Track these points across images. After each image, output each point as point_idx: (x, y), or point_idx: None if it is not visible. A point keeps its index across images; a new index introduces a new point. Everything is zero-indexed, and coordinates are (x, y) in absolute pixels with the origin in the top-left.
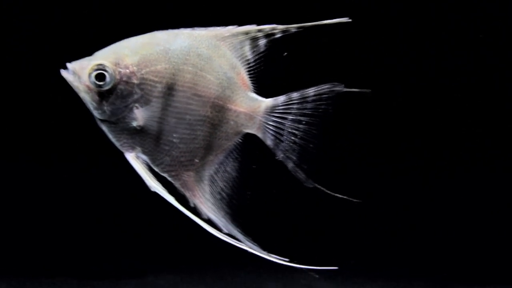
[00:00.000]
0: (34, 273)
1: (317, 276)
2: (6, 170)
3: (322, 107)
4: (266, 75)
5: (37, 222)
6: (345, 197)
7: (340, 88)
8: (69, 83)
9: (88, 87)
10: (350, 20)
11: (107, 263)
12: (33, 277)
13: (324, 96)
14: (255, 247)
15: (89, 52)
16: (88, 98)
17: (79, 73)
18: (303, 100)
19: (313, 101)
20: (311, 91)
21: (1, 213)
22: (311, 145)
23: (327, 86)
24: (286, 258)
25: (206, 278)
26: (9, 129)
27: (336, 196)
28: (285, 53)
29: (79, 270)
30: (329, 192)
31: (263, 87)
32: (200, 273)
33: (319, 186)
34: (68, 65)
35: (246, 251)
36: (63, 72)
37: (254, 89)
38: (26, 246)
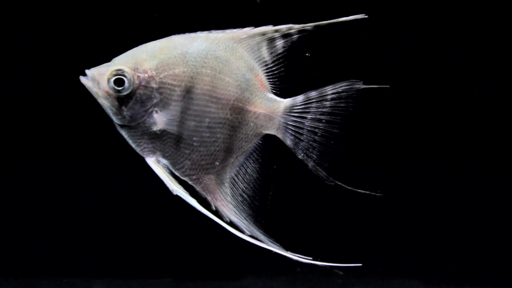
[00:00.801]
0: (128, 274)
1: (341, 273)
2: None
3: (342, 105)
4: (284, 75)
5: (124, 223)
6: (367, 192)
7: (358, 85)
8: (89, 90)
9: (107, 93)
10: (366, 16)
11: (202, 264)
12: (127, 278)
13: (343, 94)
14: (278, 247)
15: (107, 58)
16: (107, 104)
17: (98, 79)
18: (321, 98)
19: (332, 99)
20: (329, 89)
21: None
22: (332, 142)
23: (345, 84)
24: (309, 256)
25: (297, 282)
26: (14, 130)
27: (358, 194)
28: (307, 54)
29: (175, 270)
30: (351, 188)
31: (281, 88)
32: (292, 277)
33: (340, 183)
34: (87, 71)
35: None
36: (82, 79)
37: (272, 89)
38: (116, 248)
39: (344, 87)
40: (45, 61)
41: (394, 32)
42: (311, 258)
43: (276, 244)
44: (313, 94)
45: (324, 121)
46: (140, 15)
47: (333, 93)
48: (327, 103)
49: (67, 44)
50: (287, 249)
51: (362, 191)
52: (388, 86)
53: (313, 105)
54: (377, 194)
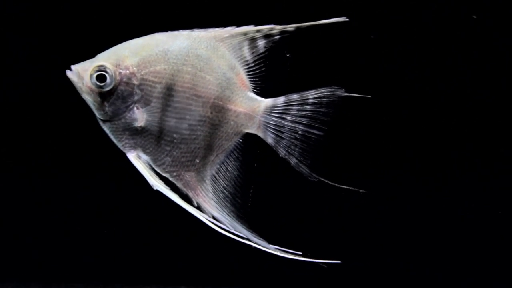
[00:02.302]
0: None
1: (325, 266)
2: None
3: (322, 110)
4: (265, 75)
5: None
6: (350, 188)
7: (340, 92)
8: (73, 84)
9: (90, 88)
10: (347, 19)
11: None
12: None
13: (324, 99)
14: (262, 242)
15: (92, 55)
16: (90, 99)
17: (81, 75)
18: (303, 102)
19: (313, 103)
20: (310, 94)
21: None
22: (312, 142)
23: (327, 90)
24: (291, 252)
25: None
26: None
27: (341, 191)
28: (288, 55)
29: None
30: (333, 184)
31: (262, 87)
32: None
33: (323, 179)
34: (72, 67)
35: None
36: (68, 73)
37: (253, 89)
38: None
39: (325, 93)
40: (29, 58)
41: (378, 35)
42: (300, 253)
43: (260, 239)
44: (294, 96)
45: (304, 123)
46: (125, 13)
47: (314, 98)
48: (308, 107)
49: (52, 41)
50: (270, 243)
51: (345, 187)
52: (369, 96)
53: (294, 107)
54: (360, 191)
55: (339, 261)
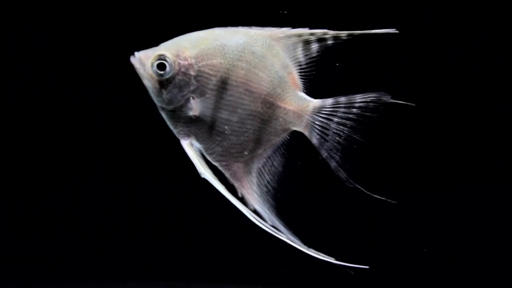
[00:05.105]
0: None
1: (352, 273)
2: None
3: (367, 114)
4: (316, 77)
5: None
6: (383, 198)
7: (386, 98)
8: (136, 70)
9: (150, 75)
10: (397, 31)
11: None
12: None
13: (370, 104)
14: (296, 240)
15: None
16: (150, 85)
17: (144, 62)
18: (349, 105)
19: (359, 107)
20: (358, 98)
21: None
22: (354, 146)
23: (374, 95)
24: (322, 253)
25: None
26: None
27: (374, 199)
28: (337, 64)
29: None
30: (368, 192)
31: (312, 89)
32: None
33: (359, 186)
34: (136, 53)
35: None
36: (132, 59)
37: (304, 89)
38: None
39: (372, 98)
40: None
41: (428, 47)
42: (333, 259)
43: (295, 237)
44: (342, 99)
45: (349, 126)
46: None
47: (361, 102)
48: (354, 110)
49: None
50: (304, 243)
51: (378, 197)
52: (414, 104)
53: (341, 109)
54: (392, 202)
55: (367, 267)
